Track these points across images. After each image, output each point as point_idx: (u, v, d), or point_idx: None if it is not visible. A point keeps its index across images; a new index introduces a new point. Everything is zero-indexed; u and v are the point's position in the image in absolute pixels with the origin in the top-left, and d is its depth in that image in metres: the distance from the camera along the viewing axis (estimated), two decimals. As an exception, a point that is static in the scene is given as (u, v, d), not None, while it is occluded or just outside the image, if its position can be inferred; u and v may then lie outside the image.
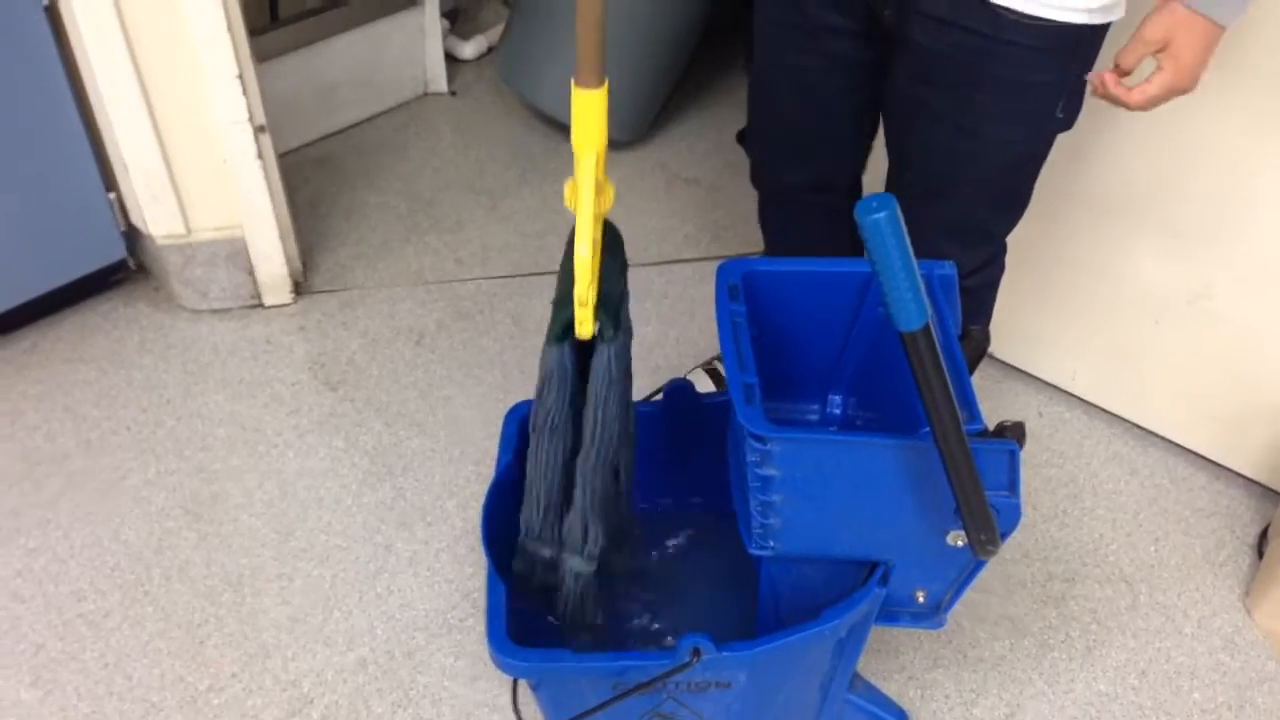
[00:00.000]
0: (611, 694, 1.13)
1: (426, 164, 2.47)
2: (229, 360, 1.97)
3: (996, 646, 1.58)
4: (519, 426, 1.34)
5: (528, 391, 1.90)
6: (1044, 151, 1.34)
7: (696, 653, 1.09)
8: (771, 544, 1.14)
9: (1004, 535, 1.08)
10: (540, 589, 1.24)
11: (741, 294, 1.18)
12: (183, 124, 1.82)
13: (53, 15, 1.71)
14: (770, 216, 1.66)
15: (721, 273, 1.19)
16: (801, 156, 1.50)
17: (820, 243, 1.57)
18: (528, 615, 1.30)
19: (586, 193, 1.02)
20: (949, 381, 0.91)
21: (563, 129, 2.53)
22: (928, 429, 0.96)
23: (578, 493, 1.16)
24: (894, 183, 1.42)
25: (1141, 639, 1.59)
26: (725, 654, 1.10)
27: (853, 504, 1.09)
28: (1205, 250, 1.65)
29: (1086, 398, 1.93)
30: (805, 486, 1.08)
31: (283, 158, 2.33)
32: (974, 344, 1.54)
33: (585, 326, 1.07)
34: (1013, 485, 1.06)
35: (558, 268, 1.13)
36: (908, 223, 1.40)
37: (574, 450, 1.16)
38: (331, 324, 2.05)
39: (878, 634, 1.54)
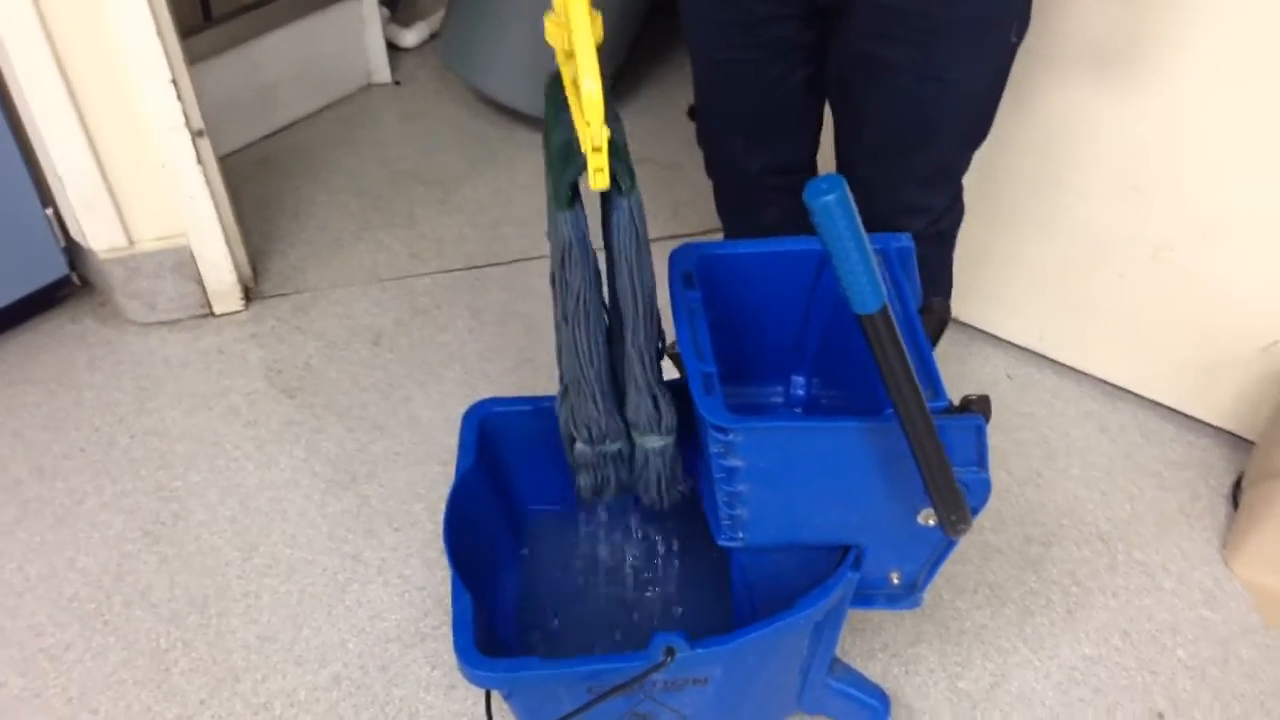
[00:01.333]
0: (587, 698, 1.11)
1: (374, 157, 2.42)
2: (182, 373, 1.92)
3: (978, 616, 1.56)
4: (478, 427, 1.30)
5: (490, 386, 1.89)
6: (1005, 78, 1.33)
7: (670, 652, 1.06)
8: (740, 535, 1.11)
9: (975, 511, 1.05)
10: (619, 490, 1.19)
11: (696, 280, 1.14)
12: (116, 133, 1.76)
13: (-30, 29, 1.65)
14: (730, 206, 1.63)
15: (674, 259, 1.16)
16: (758, 145, 1.49)
17: (784, 225, 1.54)
18: (496, 623, 1.28)
19: (581, 18, 0.86)
20: (909, 360, 0.88)
21: (511, 114, 2.48)
22: (891, 409, 0.93)
23: (636, 370, 1.07)
24: (851, 147, 1.40)
25: (1122, 598, 1.58)
26: (699, 651, 1.08)
27: (820, 489, 1.07)
28: (1165, 202, 1.63)
29: (1055, 357, 1.92)
30: (771, 475, 1.05)
31: (225, 159, 2.28)
32: (936, 317, 1.52)
33: (602, 175, 0.91)
34: (981, 460, 1.04)
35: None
36: (876, 181, 1.39)
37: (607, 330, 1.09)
38: (285, 329, 2.00)
39: (857, 613, 1.52)
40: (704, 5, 1.36)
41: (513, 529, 1.39)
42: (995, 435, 1.81)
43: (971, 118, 1.34)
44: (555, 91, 1.01)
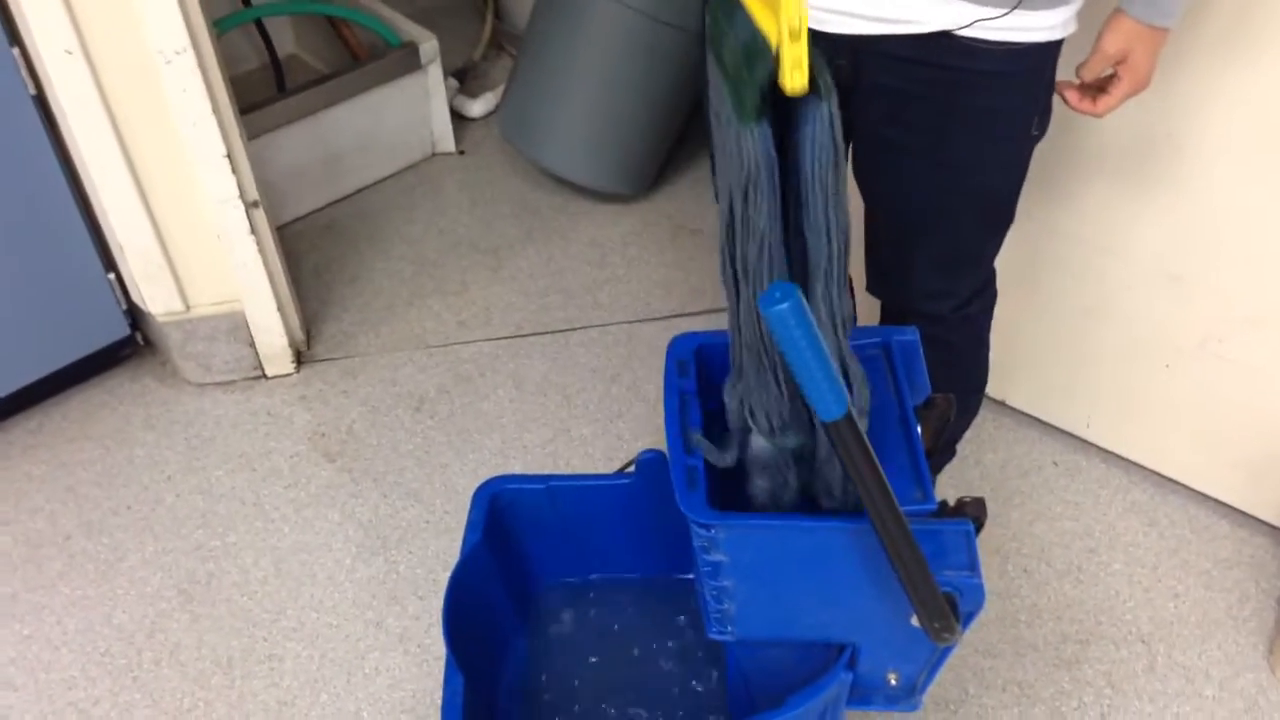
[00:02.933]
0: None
1: (433, 225, 2.48)
2: (231, 433, 1.98)
3: (1005, 716, 1.50)
4: (489, 506, 1.32)
5: (525, 457, 1.90)
6: (1024, 169, 1.31)
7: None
8: (729, 628, 1.09)
9: (970, 617, 1.02)
10: (798, 496, 1.04)
11: (692, 369, 1.14)
12: (175, 204, 1.84)
13: (41, 103, 1.74)
14: None
15: (672, 348, 1.16)
16: None
17: None
18: (500, 701, 1.27)
19: None
20: (879, 467, 0.87)
21: (568, 186, 2.52)
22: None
23: (826, 331, 0.91)
24: (871, 228, 1.40)
25: (1159, 703, 1.51)
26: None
27: (808, 587, 1.05)
28: (1208, 292, 1.58)
29: (1103, 445, 1.86)
30: (756, 571, 1.04)
31: (288, 226, 2.37)
32: (939, 412, 1.48)
33: (800, 71, 0.75)
34: (972, 565, 1.01)
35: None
36: (895, 264, 1.37)
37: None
38: (333, 392, 2.05)
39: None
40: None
41: (522, 608, 1.39)
42: (1038, 525, 1.76)
43: (990, 206, 1.32)
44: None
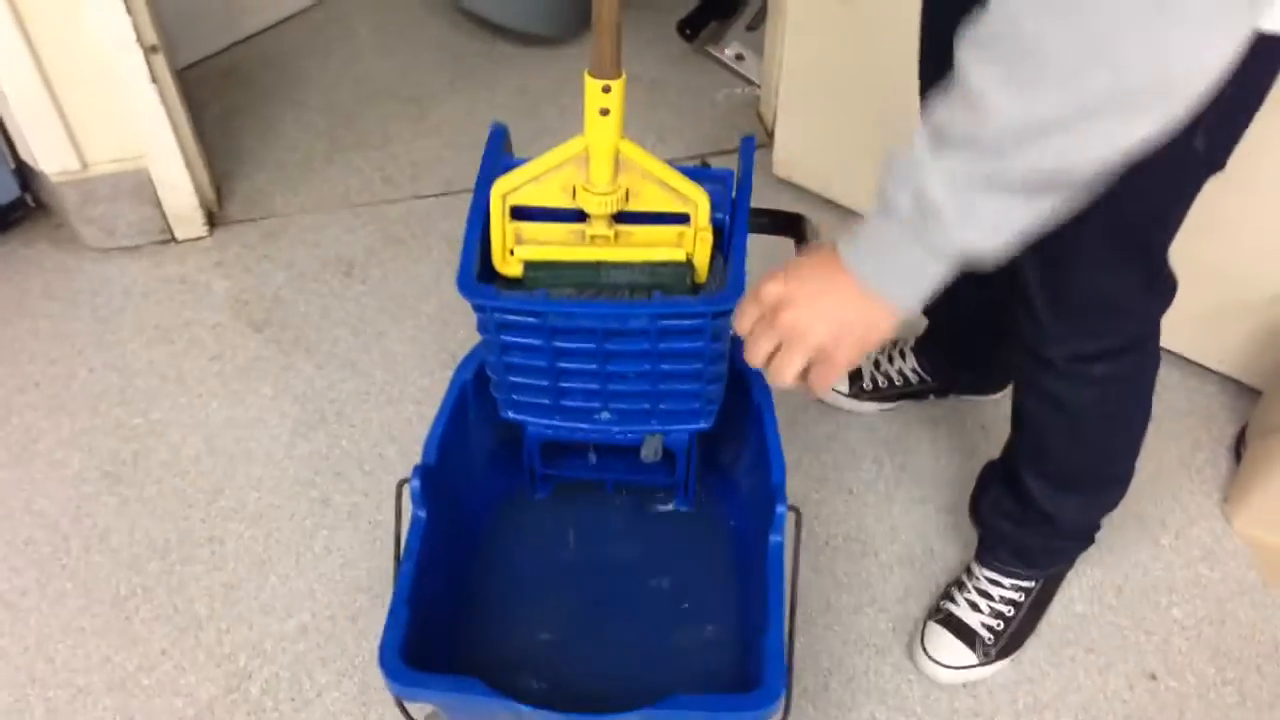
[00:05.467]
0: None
1: (347, 72, 2.29)
2: (143, 303, 1.83)
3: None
4: (459, 395, 1.21)
5: (467, 323, 1.80)
6: (1178, 199, 1.04)
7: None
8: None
9: None
10: None
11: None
12: (63, 49, 1.64)
13: (-101, -69, 1.52)
14: None
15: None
16: None
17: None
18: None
19: None
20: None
21: (488, 28, 2.35)
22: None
23: None
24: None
25: (1117, 553, 1.53)
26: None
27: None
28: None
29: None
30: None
31: (184, 72, 2.16)
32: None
33: None
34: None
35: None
36: (1009, 297, 1.08)
37: None
38: (252, 257, 1.91)
39: (849, 564, 1.47)
40: None
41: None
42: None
43: (1120, 239, 1.03)
44: None
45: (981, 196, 0.69)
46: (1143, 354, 1.18)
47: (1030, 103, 0.64)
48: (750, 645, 1.06)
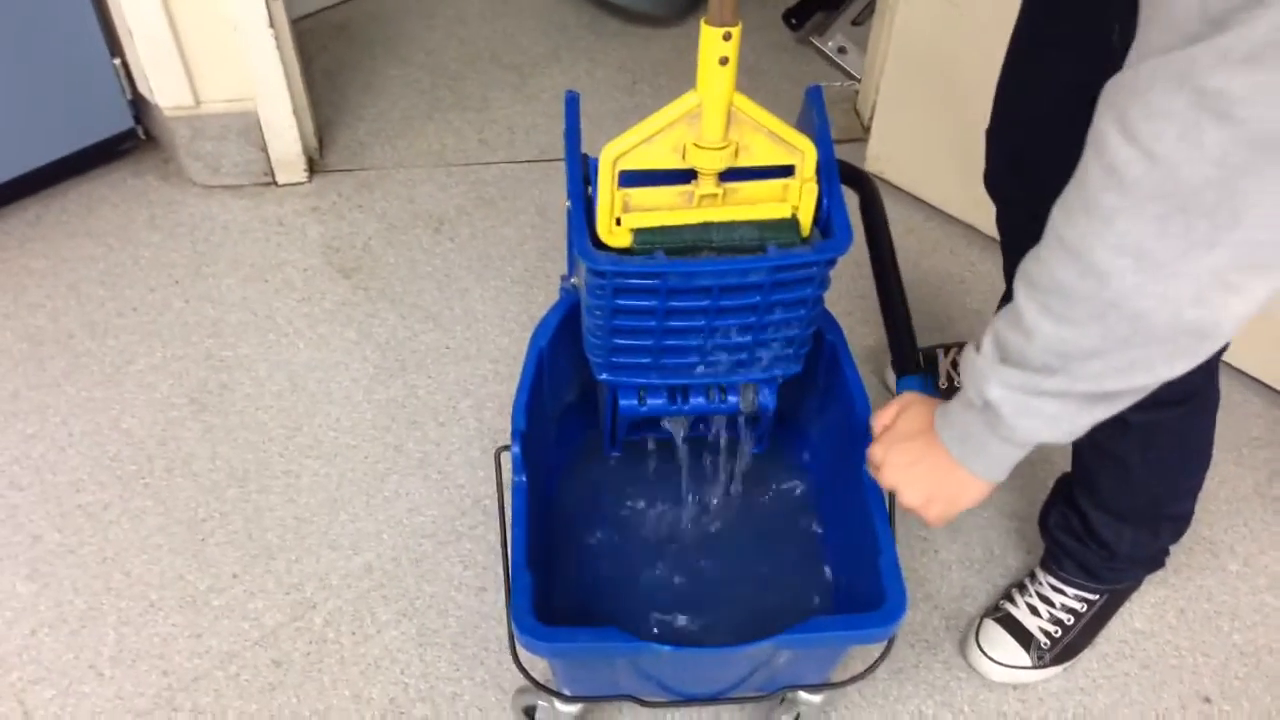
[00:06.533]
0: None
1: (453, 34, 2.33)
2: (240, 241, 1.89)
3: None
4: (538, 360, 1.21)
5: (548, 290, 1.83)
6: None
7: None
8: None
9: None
10: None
11: None
12: (188, -13, 1.70)
13: None
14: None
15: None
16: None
17: None
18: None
19: None
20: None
21: (599, 3, 2.37)
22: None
23: None
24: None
25: (1183, 575, 1.51)
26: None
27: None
28: None
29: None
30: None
31: (298, 23, 2.21)
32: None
33: None
34: None
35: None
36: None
37: None
38: (347, 205, 1.96)
39: (908, 559, 1.47)
40: None
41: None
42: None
43: None
44: None
45: (1037, 402, 0.76)
46: (1194, 405, 1.18)
47: (1068, 334, 0.71)
48: (864, 567, 1.07)
